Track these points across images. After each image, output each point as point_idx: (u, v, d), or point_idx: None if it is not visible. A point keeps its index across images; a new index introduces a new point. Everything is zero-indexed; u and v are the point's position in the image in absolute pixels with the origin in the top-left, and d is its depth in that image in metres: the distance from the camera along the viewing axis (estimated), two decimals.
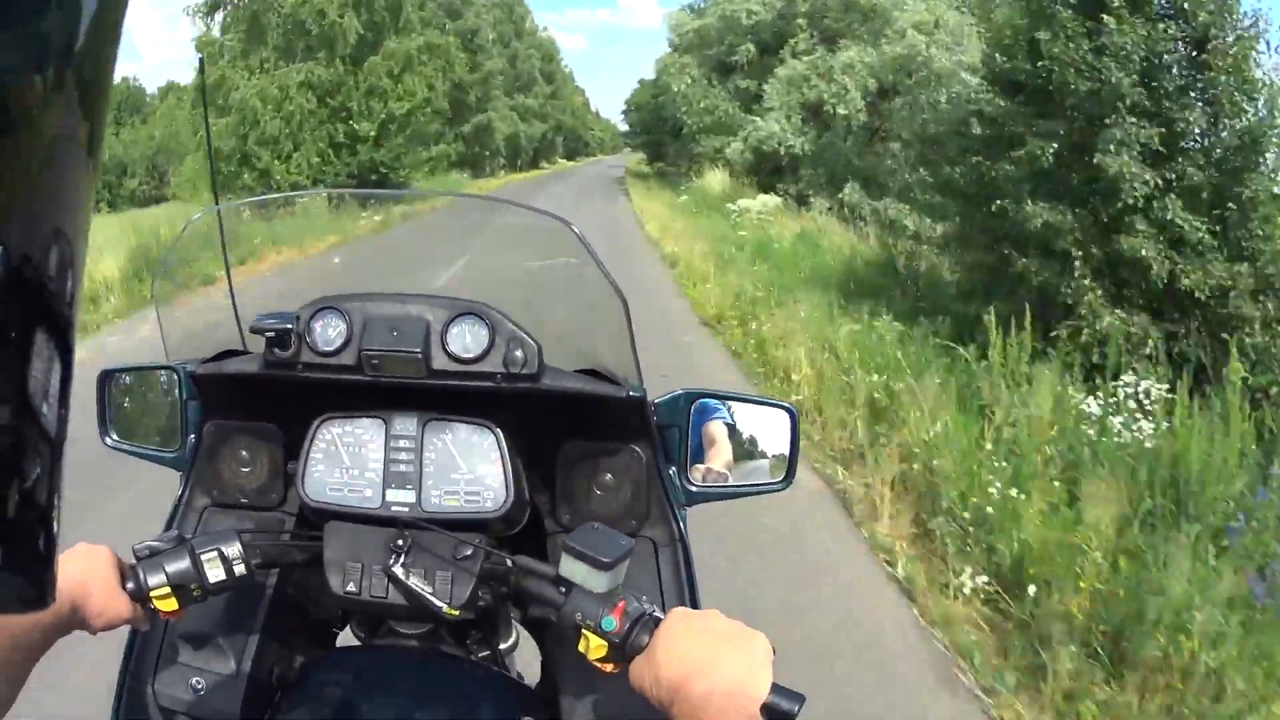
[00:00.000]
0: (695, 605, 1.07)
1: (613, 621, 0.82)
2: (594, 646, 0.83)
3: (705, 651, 0.75)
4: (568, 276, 1.21)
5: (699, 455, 1.15)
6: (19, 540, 0.28)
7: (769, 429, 1.16)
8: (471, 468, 1.07)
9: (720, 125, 20.95)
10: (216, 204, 1.28)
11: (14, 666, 0.81)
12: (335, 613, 1.23)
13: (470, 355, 1.06)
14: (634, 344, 1.08)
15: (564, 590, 0.87)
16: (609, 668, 0.84)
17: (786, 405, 1.15)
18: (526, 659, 1.26)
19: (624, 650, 0.81)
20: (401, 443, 1.08)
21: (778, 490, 1.15)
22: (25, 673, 0.82)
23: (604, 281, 1.06)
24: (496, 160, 40.02)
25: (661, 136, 34.75)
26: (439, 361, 1.06)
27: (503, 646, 1.19)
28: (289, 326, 1.06)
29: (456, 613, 0.99)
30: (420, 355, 1.05)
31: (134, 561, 0.93)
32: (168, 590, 0.92)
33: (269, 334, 1.06)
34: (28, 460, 0.28)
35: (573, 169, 57.57)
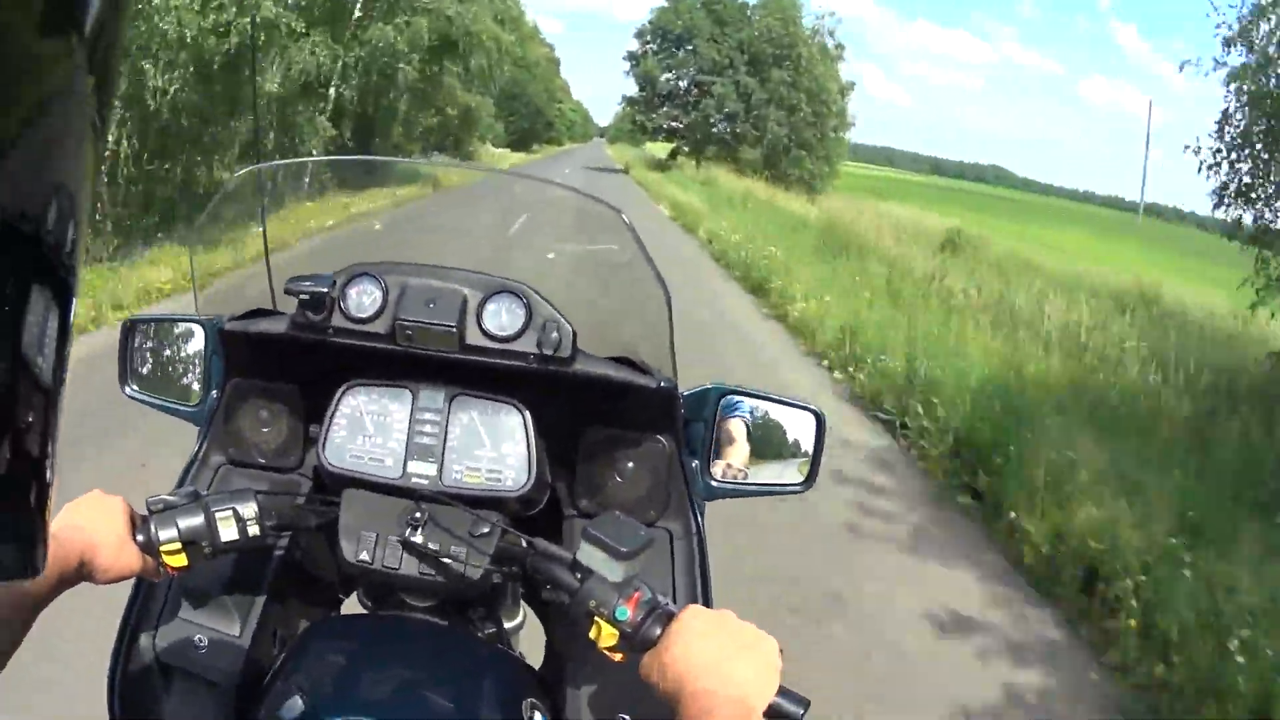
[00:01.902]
0: (708, 600, 1.07)
1: (626, 611, 0.82)
2: (605, 634, 0.83)
3: (717, 652, 0.76)
4: (609, 263, 1.20)
5: (719, 451, 1.15)
6: (10, 501, 0.28)
7: (790, 429, 1.16)
8: (495, 446, 1.07)
9: None
10: (257, 163, 1.28)
11: (15, 619, 0.78)
12: (343, 579, 1.24)
13: (505, 334, 1.06)
14: (673, 337, 1.07)
15: (580, 576, 0.87)
16: (618, 657, 0.84)
17: (814, 408, 1.14)
18: (531, 641, 1.26)
19: (635, 641, 0.82)
20: (427, 415, 1.08)
21: (798, 491, 1.15)
22: (27, 625, 0.80)
23: (649, 272, 1.06)
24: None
25: None
26: (473, 337, 1.06)
27: (508, 625, 1.19)
28: (324, 290, 1.06)
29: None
30: (455, 329, 1.05)
31: (146, 514, 0.93)
32: (178, 546, 0.92)
33: (303, 296, 1.06)
34: (20, 414, 0.27)
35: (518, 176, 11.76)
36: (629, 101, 32.94)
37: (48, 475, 0.29)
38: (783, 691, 0.74)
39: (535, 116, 53.03)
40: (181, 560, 0.93)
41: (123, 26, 0.28)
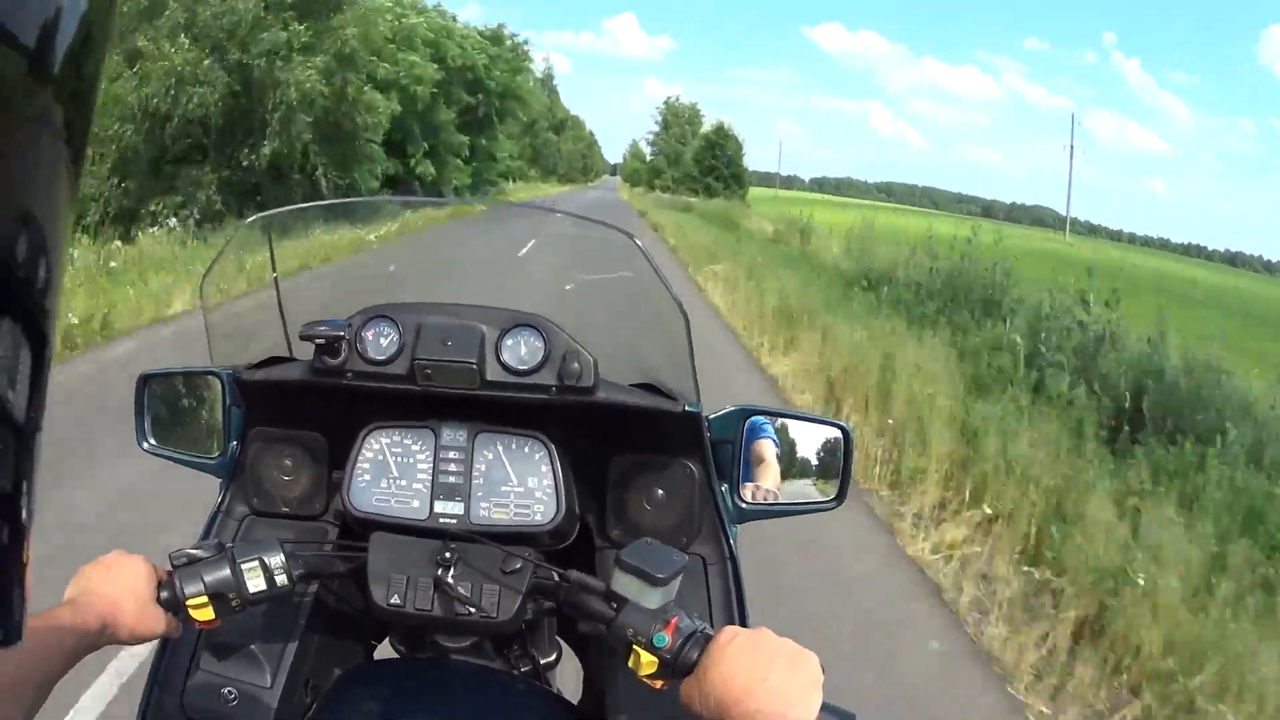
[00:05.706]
0: (744, 623, 1.05)
1: (665, 638, 0.80)
2: (645, 662, 0.82)
3: (756, 670, 0.74)
4: (627, 289, 1.19)
5: (748, 473, 1.14)
6: None
7: (819, 447, 1.14)
8: (521, 480, 1.06)
9: None
10: (266, 209, 1.28)
11: (35, 684, 0.76)
12: (375, 625, 1.22)
13: (525, 367, 1.05)
14: (693, 359, 1.06)
15: (615, 605, 0.85)
16: (658, 684, 0.82)
17: (841, 424, 1.12)
18: (569, 675, 1.23)
19: (674, 667, 0.80)
20: (451, 453, 1.07)
21: (829, 509, 1.13)
22: (47, 690, 0.77)
23: (666, 296, 1.05)
24: None
25: None
26: (493, 372, 1.05)
27: (545, 661, 1.17)
28: (340, 334, 1.05)
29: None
30: (475, 365, 1.04)
31: (170, 569, 0.92)
32: (205, 600, 0.90)
33: (319, 341, 1.05)
34: None
35: None
36: None
37: (22, 522, 0.26)
38: (827, 707, 0.72)
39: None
40: (209, 615, 0.91)
41: (100, 58, 0.27)
